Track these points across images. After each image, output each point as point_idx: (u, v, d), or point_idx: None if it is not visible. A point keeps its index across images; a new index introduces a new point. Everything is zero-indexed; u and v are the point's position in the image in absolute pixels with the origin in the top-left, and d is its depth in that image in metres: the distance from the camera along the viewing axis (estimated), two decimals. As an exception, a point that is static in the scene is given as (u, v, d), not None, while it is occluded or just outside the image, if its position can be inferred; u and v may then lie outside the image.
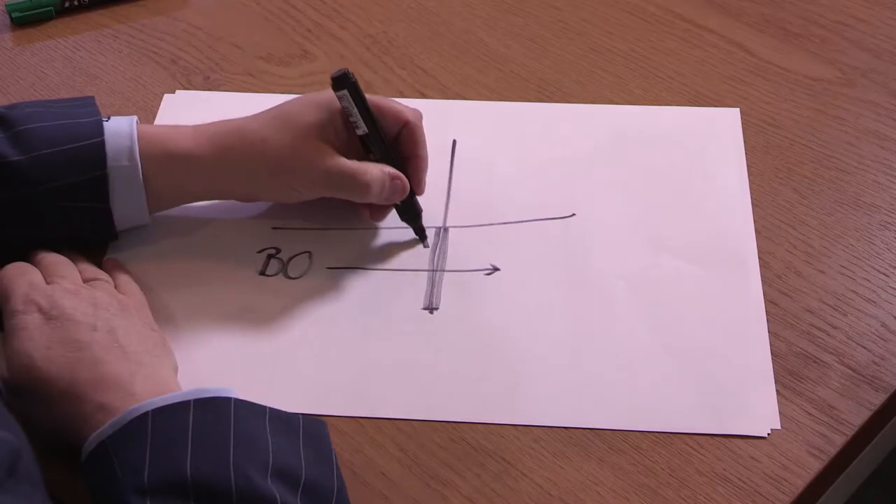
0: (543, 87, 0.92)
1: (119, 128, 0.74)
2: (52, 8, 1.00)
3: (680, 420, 0.67)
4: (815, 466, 0.65)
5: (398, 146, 0.78)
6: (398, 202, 0.78)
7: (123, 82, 0.94)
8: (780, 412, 0.67)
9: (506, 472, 0.65)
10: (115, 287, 0.73)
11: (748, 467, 0.65)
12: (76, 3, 1.01)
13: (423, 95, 0.91)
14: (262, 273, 0.77)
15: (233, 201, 0.80)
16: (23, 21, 0.99)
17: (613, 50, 0.96)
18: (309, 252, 0.78)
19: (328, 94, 0.75)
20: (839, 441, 0.66)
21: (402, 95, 0.91)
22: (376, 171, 0.75)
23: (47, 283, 0.70)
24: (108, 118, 0.75)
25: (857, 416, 0.68)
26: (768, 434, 0.66)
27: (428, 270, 0.77)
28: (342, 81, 0.74)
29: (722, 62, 0.94)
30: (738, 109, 0.89)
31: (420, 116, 0.78)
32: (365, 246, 0.79)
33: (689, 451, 0.66)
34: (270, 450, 0.59)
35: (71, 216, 0.74)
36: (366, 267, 0.77)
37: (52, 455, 0.65)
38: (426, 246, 0.79)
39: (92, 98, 0.77)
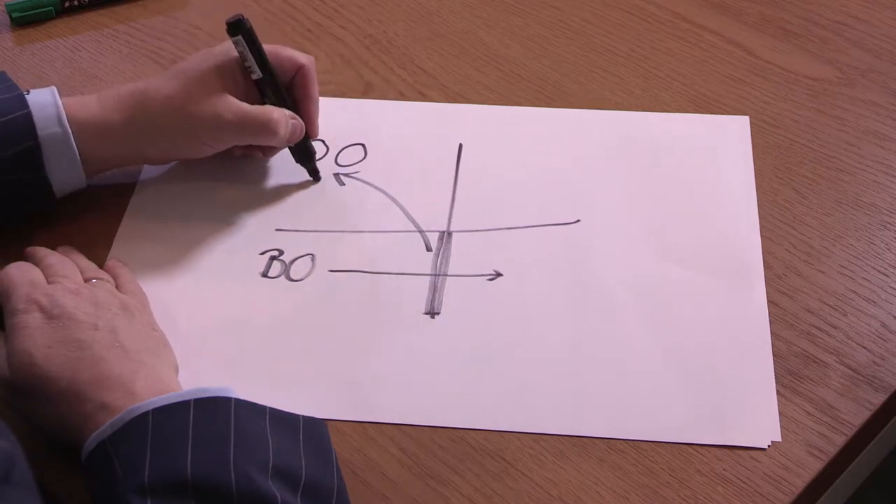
0: (543, 87, 0.92)
1: (42, 98, 0.76)
2: (52, 8, 1.00)
3: (680, 430, 0.67)
4: (815, 466, 0.65)
5: (292, 90, 0.81)
6: (294, 144, 0.82)
7: (123, 82, 0.93)
8: (780, 412, 0.67)
9: (506, 472, 0.65)
10: (117, 287, 0.73)
11: (748, 467, 0.65)
12: (76, 3, 1.01)
13: (424, 95, 0.91)
14: (265, 275, 0.77)
15: (234, 201, 0.80)
16: (23, 21, 0.99)
17: (613, 50, 0.96)
18: (312, 255, 0.78)
19: (225, 45, 0.78)
20: (839, 441, 0.66)
21: (403, 95, 0.91)
22: (279, 114, 0.78)
23: (49, 282, 0.70)
24: (28, 91, 0.76)
25: (857, 416, 0.68)
26: (768, 446, 0.66)
27: (430, 275, 0.77)
28: (237, 27, 0.77)
29: (722, 62, 0.94)
30: (746, 118, 0.88)
31: (313, 61, 0.81)
32: (367, 249, 0.79)
33: (690, 451, 0.66)
34: (271, 449, 0.59)
35: (8, 189, 0.75)
36: (368, 270, 0.77)
37: (52, 455, 0.65)
38: (318, 179, 0.83)
39: (3, 73, 0.79)
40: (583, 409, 0.68)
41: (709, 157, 0.85)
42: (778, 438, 0.66)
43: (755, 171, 0.84)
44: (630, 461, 0.66)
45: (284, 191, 0.83)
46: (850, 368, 0.70)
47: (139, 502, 0.56)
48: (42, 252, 0.74)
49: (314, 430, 0.62)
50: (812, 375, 0.70)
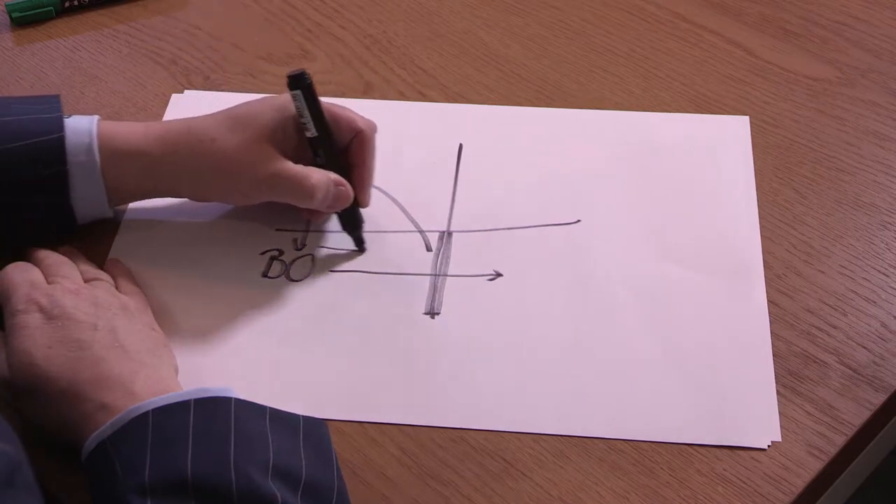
0: (543, 87, 0.92)
1: (79, 125, 0.74)
2: (52, 8, 1.00)
3: (680, 430, 0.67)
4: (815, 466, 0.65)
5: (347, 155, 0.78)
6: (340, 210, 0.78)
7: (123, 82, 0.94)
8: (780, 412, 0.67)
9: (506, 472, 0.65)
10: (116, 287, 0.73)
11: (748, 467, 0.65)
12: (76, 3, 1.01)
13: (423, 95, 0.91)
14: (265, 275, 0.77)
15: (234, 203, 0.80)
16: (23, 21, 0.99)
17: (613, 50, 0.96)
18: (311, 255, 0.78)
19: (286, 97, 0.75)
20: (839, 441, 0.66)
21: (403, 95, 0.91)
22: (321, 177, 0.75)
23: (48, 282, 0.70)
24: (70, 116, 0.75)
25: (857, 416, 0.68)
26: (768, 446, 0.66)
27: (430, 275, 0.77)
28: (297, 81, 0.74)
29: (722, 62, 0.94)
30: (747, 117, 0.88)
31: (374, 128, 0.78)
32: (368, 249, 0.79)
33: (690, 451, 0.66)
34: (271, 449, 0.59)
35: (31, 211, 0.74)
36: (368, 271, 0.77)
37: (52, 455, 0.65)
38: (363, 250, 0.79)
39: (57, 97, 0.77)
40: (583, 409, 0.68)
41: (709, 157, 0.85)
42: (778, 438, 0.66)
43: (755, 171, 0.84)
44: (630, 461, 0.66)
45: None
46: (850, 368, 0.70)
47: (139, 502, 0.56)
48: (42, 252, 0.74)
49: (314, 430, 0.62)
50: (812, 375, 0.70)
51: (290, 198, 0.76)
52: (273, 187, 0.75)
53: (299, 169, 0.74)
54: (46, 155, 0.73)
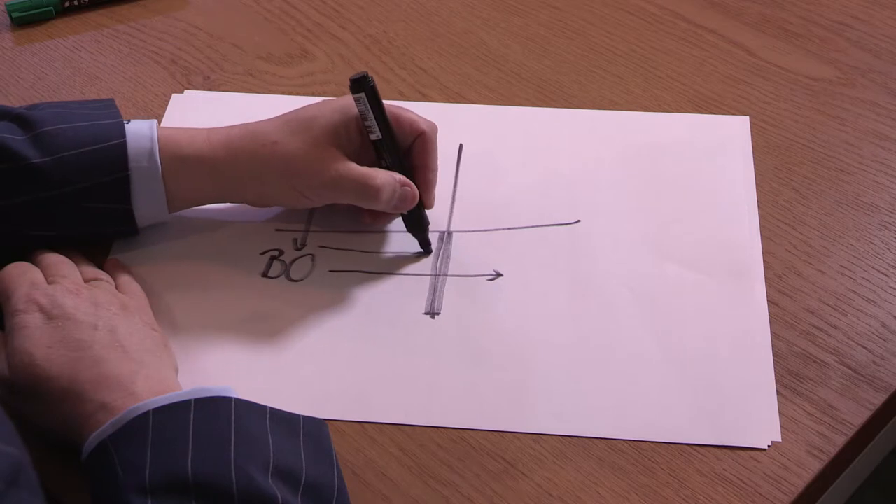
0: (543, 87, 0.92)
1: (140, 130, 0.74)
2: (52, 8, 1.00)
3: (680, 430, 0.67)
4: (815, 466, 0.65)
5: (410, 156, 0.78)
6: (406, 212, 0.77)
7: (123, 82, 0.94)
8: (780, 412, 0.68)
9: (506, 472, 0.65)
10: (117, 287, 0.73)
11: (748, 467, 0.65)
12: (76, 3, 1.01)
13: (424, 95, 0.91)
14: (265, 275, 0.77)
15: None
16: (23, 21, 0.99)
17: (613, 50, 0.96)
18: (312, 255, 0.78)
19: (347, 100, 0.75)
20: (839, 441, 0.66)
21: (402, 96, 0.91)
22: (387, 178, 0.74)
23: (48, 282, 0.70)
24: (129, 121, 0.75)
25: (857, 416, 0.68)
26: (768, 446, 0.66)
27: (431, 275, 0.77)
28: (360, 84, 0.73)
29: (722, 62, 0.94)
30: (747, 117, 0.88)
31: (435, 129, 0.78)
32: (368, 249, 0.79)
33: (690, 451, 0.66)
34: (271, 449, 0.59)
35: (93, 216, 0.74)
36: (368, 270, 0.77)
37: (52, 455, 0.65)
38: (429, 251, 0.79)
39: (112, 101, 0.77)
40: (583, 409, 0.68)
41: (709, 157, 0.85)
42: (778, 438, 0.66)
43: (755, 171, 0.84)
44: (630, 461, 0.66)
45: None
46: (850, 368, 0.70)
47: (139, 502, 0.56)
48: (42, 252, 0.74)
49: (314, 430, 0.62)
50: (812, 375, 0.70)
51: (355, 199, 0.75)
52: (337, 189, 0.75)
53: (364, 170, 0.74)
54: (109, 161, 0.73)
